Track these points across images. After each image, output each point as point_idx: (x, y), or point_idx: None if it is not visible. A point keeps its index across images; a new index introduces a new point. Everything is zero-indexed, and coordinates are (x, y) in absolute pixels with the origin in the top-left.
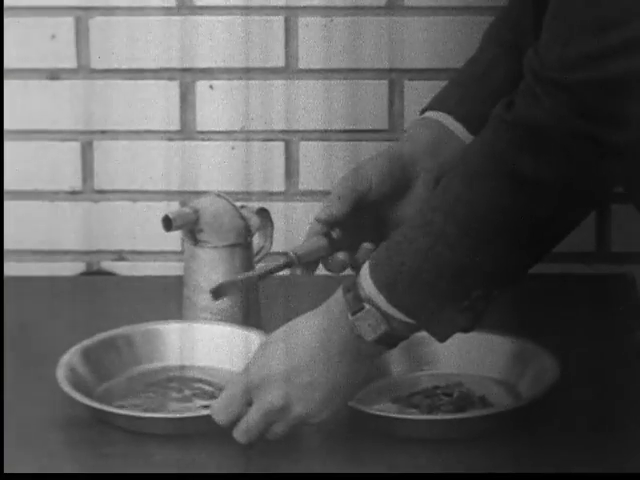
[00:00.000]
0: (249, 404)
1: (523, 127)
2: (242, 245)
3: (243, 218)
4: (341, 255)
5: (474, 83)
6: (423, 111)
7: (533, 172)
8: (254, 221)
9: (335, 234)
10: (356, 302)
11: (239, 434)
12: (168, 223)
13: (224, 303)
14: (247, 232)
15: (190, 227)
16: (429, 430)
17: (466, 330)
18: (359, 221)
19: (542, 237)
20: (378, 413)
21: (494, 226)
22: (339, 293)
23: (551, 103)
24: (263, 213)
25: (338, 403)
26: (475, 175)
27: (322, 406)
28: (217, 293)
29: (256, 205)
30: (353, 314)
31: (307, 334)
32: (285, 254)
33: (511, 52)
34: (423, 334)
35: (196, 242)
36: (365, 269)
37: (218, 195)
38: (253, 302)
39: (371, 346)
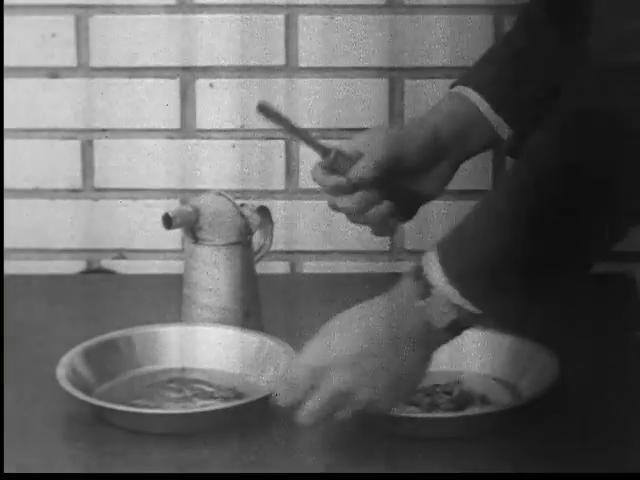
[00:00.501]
0: (313, 388)
1: (595, 116)
2: (242, 243)
3: (243, 216)
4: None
5: (506, 63)
6: (454, 84)
7: (601, 164)
8: (254, 219)
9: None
10: (425, 290)
11: (303, 417)
12: (168, 221)
13: (223, 302)
14: (247, 230)
15: (190, 225)
16: (429, 428)
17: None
18: (382, 184)
19: (607, 221)
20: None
21: (558, 213)
22: (406, 280)
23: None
24: (263, 211)
25: (403, 389)
26: (541, 166)
27: (387, 392)
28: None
29: (256, 203)
30: (422, 301)
31: (373, 320)
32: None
33: (545, 33)
34: None
35: (196, 240)
36: (432, 258)
37: (218, 193)
38: (253, 301)
39: (439, 333)
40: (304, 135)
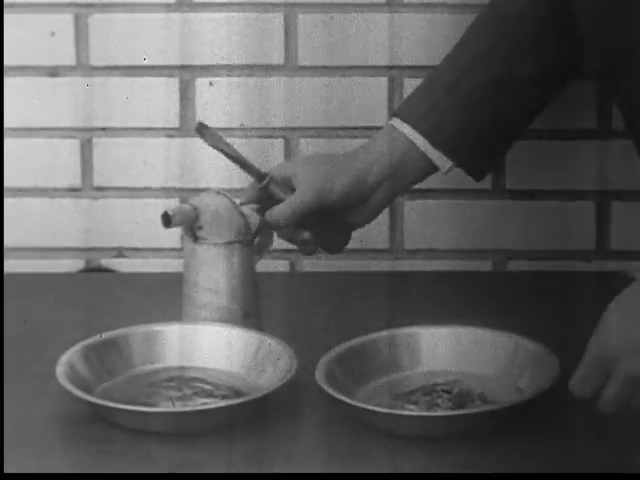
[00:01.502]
0: (609, 375)
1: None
2: (242, 242)
3: (243, 215)
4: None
5: (444, 92)
6: (392, 116)
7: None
8: (254, 218)
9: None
10: None
11: (605, 405)
12: (167, 219)
13: (222, 301)
14: (247, 229)
15: (190, 224)
16: (428, 426)
17: None
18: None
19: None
20: (377, 409)
21: None
22: None
23: None
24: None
25: None
26: None
27: None
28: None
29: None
30: None
31: None
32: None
33: (490, 54)
34: (420, 331)
35: (196, 239)
36: None
37: (218, 192)
38: (253, 301)
39: None
40: (240, 159)
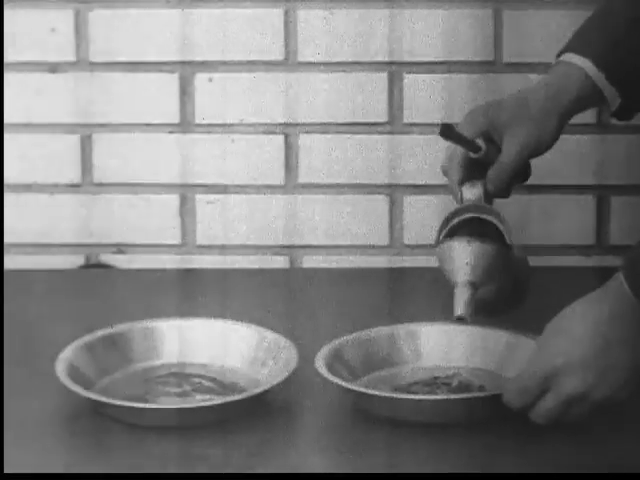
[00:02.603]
0: (545, 391)
1: None
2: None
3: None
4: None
5: (625, 30)
6: (561, 52)
7: None
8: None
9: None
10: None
11: (538, 418)
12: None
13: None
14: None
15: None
16: (429, 411)
17: None
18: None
19: None
20: (378, 394)
21: None
22: (619, 278)
23: None
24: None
25: (636, 382)
26: None
27: (621, 388)
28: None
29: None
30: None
31: (594, 319)
32: None
33: None
34: (421, 327)
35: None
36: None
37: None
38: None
39: None
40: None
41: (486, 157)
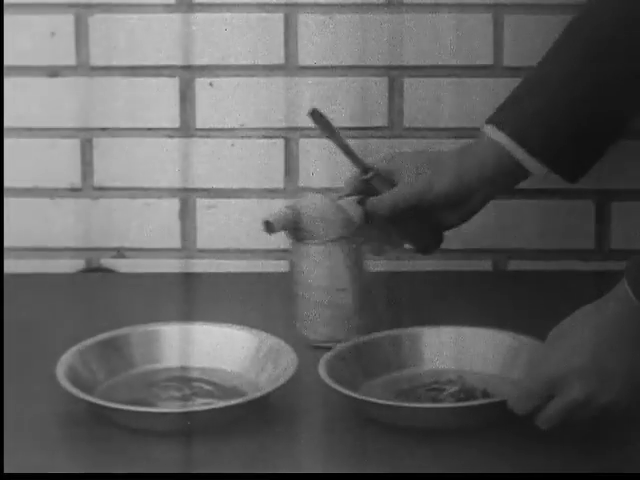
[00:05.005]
0: (550, 397)
1: None
2: (346, 238)
3: (344, 211)
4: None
5: (543, 105)
6: (488, 121)
7: None
8: (356, 211)
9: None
10: None
11: (543, 423)
12: (270, 227)
13: (337, 296)
14: (350, 224)
15: (291, 226)
16: (433, 419)
17: None
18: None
19: None
20: (381, 402)
21: None
22: (624, 283)
23: None
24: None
25: (637, 388)
26: None
27: (625, 394)
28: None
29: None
30: None
31: (597, 324)
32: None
33: (588, 58)
34: (422, 330)
35: (300, 239)
36: None
37: (316, 193)
38: (364, 294)
39: None
40: (348, 149)
41: (375, 185)
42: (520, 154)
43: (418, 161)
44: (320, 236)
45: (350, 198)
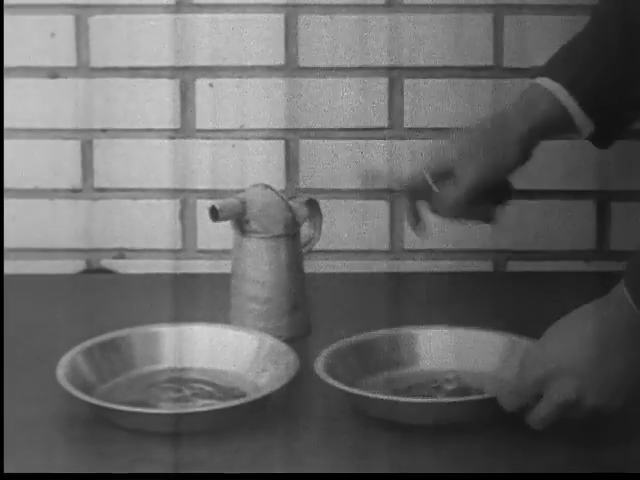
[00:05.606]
0: (539, 395)
1: None
2: (289, 236)
3: (290, 209)
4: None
5: (597, 60)
6: (536, 74)
7: None
8: (302, 212)
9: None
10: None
11: (534, 422)
12: (215, 213)
13: (270, 293)
14: (294, 223)
15: (237, 217)
16: (430, 413)
17: None
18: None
19: None
20: (378, 396)
21: None
22: (621, 286)
23: None
24: (312, 204)
25: (630, 391)
26: None
27: (615, 396)
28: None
29: (304, 196)
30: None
31: (591, 325)
32: None
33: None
34: (420, 330)
35: (243, 232)
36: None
37: (266, 186)
38: (300, 293)
39: None
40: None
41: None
42: (572, 106)
43: (473, 153)
44: (262, 231)
45: (300, 199)
